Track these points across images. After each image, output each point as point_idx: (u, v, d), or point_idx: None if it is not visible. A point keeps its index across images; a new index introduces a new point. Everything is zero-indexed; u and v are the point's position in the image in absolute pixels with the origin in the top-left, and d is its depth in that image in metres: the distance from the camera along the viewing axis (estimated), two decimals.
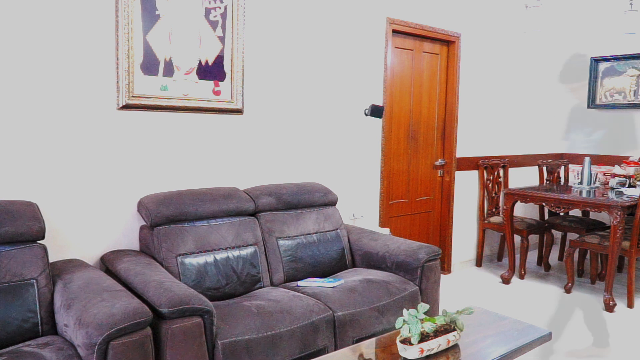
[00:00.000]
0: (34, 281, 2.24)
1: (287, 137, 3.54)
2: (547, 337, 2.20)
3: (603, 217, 5.04)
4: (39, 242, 2.35)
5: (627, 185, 4.51)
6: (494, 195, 5.13)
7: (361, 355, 2.03)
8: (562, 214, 5.08)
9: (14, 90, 2.45)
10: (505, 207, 4.60)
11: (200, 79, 3.06)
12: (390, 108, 4.21)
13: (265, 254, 3.03)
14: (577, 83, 5.90)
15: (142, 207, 2.77)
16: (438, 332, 1.94)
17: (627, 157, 5.19)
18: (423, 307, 1.95)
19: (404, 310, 1.93)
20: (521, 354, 2.09)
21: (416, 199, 4.60)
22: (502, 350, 2.03)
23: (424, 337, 1.89)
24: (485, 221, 5.04)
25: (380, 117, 3.83)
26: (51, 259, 2.44)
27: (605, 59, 5.67)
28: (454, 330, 1.98)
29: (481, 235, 5.09)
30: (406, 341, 1.88)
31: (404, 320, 1.91)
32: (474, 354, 2.00)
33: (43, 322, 2.22)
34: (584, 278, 4.78)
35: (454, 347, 1.95)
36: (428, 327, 1.92)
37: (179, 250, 2.71)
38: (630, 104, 5.52)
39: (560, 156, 5.97)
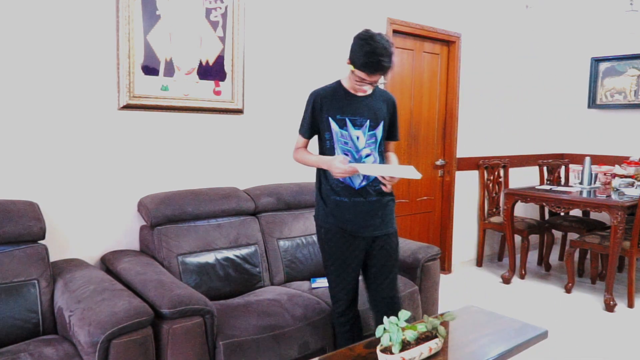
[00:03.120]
0: (35, 281, 2.25)
1: (287, 137, 3.53)
2: (544, 336, 2.20)
3: (603, 217, 5.03)
4: (39, 242, 2.36)
5: (634, 186, 4.50)
6: (494, 195, 5.13)
7: (361, 355, 2.03)
8: (562, 214, 5.08)
9: (15, 90, 2.46)
10: (505, 207, 4.60)
11: (200, 79, 3.06)
12: None
13: (266, 254, 3.03)
14: (577, 83, 5.90)
15: (143, 207, 2.78)
16: (420, 340, 1.88)
17: (627, 157, 5.19)
18: (404, 314, 1.87)
19: (385, 318, 1.87)
20: (518, 352, 2.09)
21: (417, 199, 4.60)
22: (498, 349, 2.03)
23: (405, 346, 1.83)
24: (486, 221, 5.04)
25: None
26: (52, 259, 2.44)
27: (605, 59, 5.67)
28: (436, 337, 1.92)
29: (481, 235, 5.09)
30: (387, 350, 1.82)
31: (385, 329, 1.84)
32: (470, 353, 2.01)
33: (44, 321, 2.23)
34: (584, 278, 4.78)
35: (436, 355, 1.91)
36: (409, 335, 1.86)
37: (180, 250, 2.71)
38: (631, 104, 5.52)
39: (561, 156, 5.97)
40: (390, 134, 2.49)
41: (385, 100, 2.44)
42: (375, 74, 2.21)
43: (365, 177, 2.36)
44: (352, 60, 2.23)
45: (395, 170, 2.31)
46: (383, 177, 2.27)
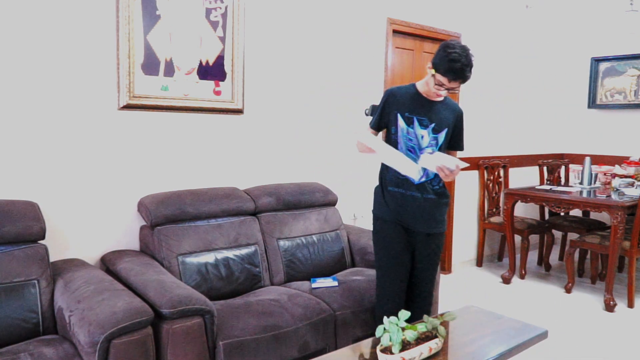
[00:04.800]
0: (35, 281, 2.25)
1: (287, 137, 3.54)
2: (544, 336, 2.20)
3: (603, 217, 5.03)
4: (39, 242, 2.36)
5: (634, 186, 4.49)
6: (494, 195, 5.13)
7: (361, 355, 2.03)
8: (562, 214, 5.08)
9: (15, 90, 2.46)
10: (505, 207, 4.60)
11: (200, 79, 3.06)
12: None
13: (266, 254, 3.03)
14: (577, 83, 5.90)
15: (143, 207, 2.78)
16: (420, 340, 1.89)
17: (627, 157, 5.19)
18: (404, 314, 1.88)
19: (385, 318, 1.88)
20: (518, 352, 2.09)
21: None
22: (498, 349, 2.03)
23: (405, 346, 1.83)
24: (486, 221, 5.04)
25: None
26: (52, 259, 2.44)
27: (605, 59, 5.67)
28: (436, 337, 1.93)
29: (481, 235, 5.09)
30: (387, 350, 1.82)
31: (385, 329, 1.84)
32: (470, 353, 2.01)
33: (44, 321, 2.23)
34: (584, 278, 4.78)
35: (436, 355, 1.91)
36: (409, 335, 1.86)
37: (180, 250, 2.71)
38: (631, 104, 5.52)
39: (561, 156, 5.97)
40: (455, 143, 2.65)
41: (453, 110, 2.61)
42: (456, 81, 2.36)
43: (425, 173, 2.49)
44: (436, 65, 2.36)
45: (442, 157, 2.38)
46: (441, 170, 2.34)
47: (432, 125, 2.51)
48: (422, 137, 2.50)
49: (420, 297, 2.64)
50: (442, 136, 2.54)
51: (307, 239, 3.19)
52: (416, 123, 2.49)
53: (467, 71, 2.34)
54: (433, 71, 2.38)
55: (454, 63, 2.31)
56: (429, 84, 2.45)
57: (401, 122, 2.51)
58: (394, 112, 2.52)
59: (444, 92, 2.46)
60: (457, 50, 2.33)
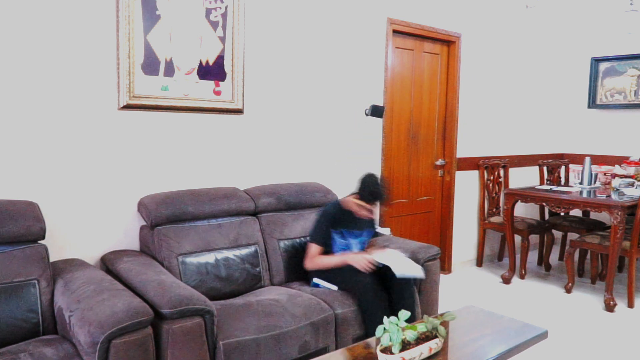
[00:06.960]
0: (35, 281, 2.25)
1: (287, 137, 3.54)
2: (544, 336, 2.20)
3: (603, 217, 5.03)
4: (39, 242, 2.36)
5: (634, 186, 4.49)
6: (494, 195, 5.13)
7: (361, 355, 2.03)
8: (562, 214, 5.08)
9: (15, 90, 2.46)
10: (505, 207, 4.60)
11: (200, 79, 3.06)
12: (390, 108, 4.21)
13: (266, 254, 3.03)
14: (577, 83, 5.90)
15: (143, 207, 2.78)
16: (420, 340, 1.89)
17: (627, 157, 5.19)
18: (404, 314, 1.88)
19: (385, 318, 1.88)
20: (518, 352, 2.09)
21: (417, 199, 4.60)
22: (498, 349, 2.04)
23: (405, 346, 1.84)
24: (486, 221, 5.04)
25: (380, 117, 3.84)
26: (52, 259, 2.44)
27: (605, 59, 5.67)
28: (436, 337, 1.93)
29: (482, 235, 5.09)
30: (387, 350, 1.82)
31: (385, 329, 1.84)
32: (470, 353, 2.01)
33: (44, 321, 2.23)
34: (584, 278, 4.78)
35: (436, 355, 1.91)
36: (409, 335, 1.86)
37: (180, 250, 2.71)
38: (631, 104, 5.52)
39: (561, 156, 5.97)
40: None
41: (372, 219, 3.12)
42: (374, 203, 2.91)
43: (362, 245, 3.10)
44: (361, 194, 2.86)
45: (402, 266, 2.84)
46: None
47: (361, 233, 3.06)
48: (352, 243, 3.02)
49: (402, 299, 2.79)
50: (369, 236, 3.14)
51: (307, 239, 3.18)
52: (346, 234, 3.01)
53: (383, 196, 2.91)
54: (359, 201, 2.87)
55: (373, 189, 2.85)
56: (352, 206, 2.93)
57: (336, 234, 2.99)
58: (335, 230, 2.99)
59: (366, 212, 2.92)
60: (373, 180, 2.88)
